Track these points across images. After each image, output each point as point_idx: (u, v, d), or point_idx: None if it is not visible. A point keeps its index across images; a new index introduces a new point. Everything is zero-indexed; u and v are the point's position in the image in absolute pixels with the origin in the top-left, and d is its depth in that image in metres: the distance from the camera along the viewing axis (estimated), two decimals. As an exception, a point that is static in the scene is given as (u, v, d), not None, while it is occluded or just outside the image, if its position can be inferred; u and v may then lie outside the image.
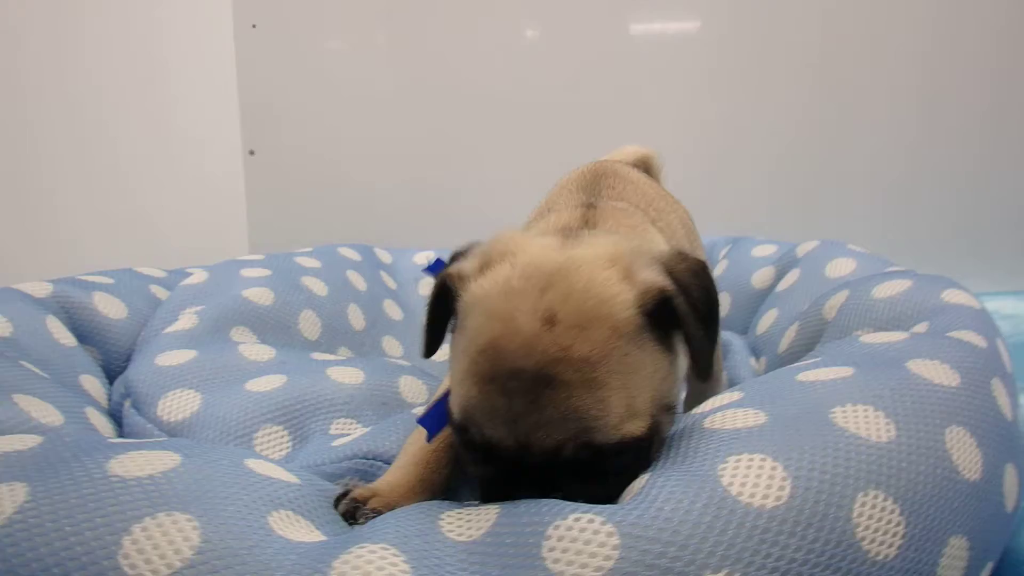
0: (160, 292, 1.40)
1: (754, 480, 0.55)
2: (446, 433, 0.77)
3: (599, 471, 0.63)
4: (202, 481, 0.62)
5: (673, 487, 0.55)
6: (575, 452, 0.62)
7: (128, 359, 1.22)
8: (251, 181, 2.52)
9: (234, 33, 2.45)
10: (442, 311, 0.74)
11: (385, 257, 1.82)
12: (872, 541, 0.55)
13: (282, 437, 0.98)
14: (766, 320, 1.32)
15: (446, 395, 0.73)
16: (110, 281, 1.33)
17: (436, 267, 0.86)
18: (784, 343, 1.16)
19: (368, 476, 0.86)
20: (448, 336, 0.75)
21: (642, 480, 0.59)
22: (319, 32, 2.47)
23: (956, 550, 0.60)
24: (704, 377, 0.68)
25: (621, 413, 0.62)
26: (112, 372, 1.22)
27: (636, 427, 0.63)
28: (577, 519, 0.53)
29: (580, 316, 0.63)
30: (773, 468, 0.56)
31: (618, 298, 0.65)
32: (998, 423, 0.71)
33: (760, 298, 1.44)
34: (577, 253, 0.69)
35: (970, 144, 2.27)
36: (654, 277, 0.67)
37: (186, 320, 1.23)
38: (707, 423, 0.66)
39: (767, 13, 2.28)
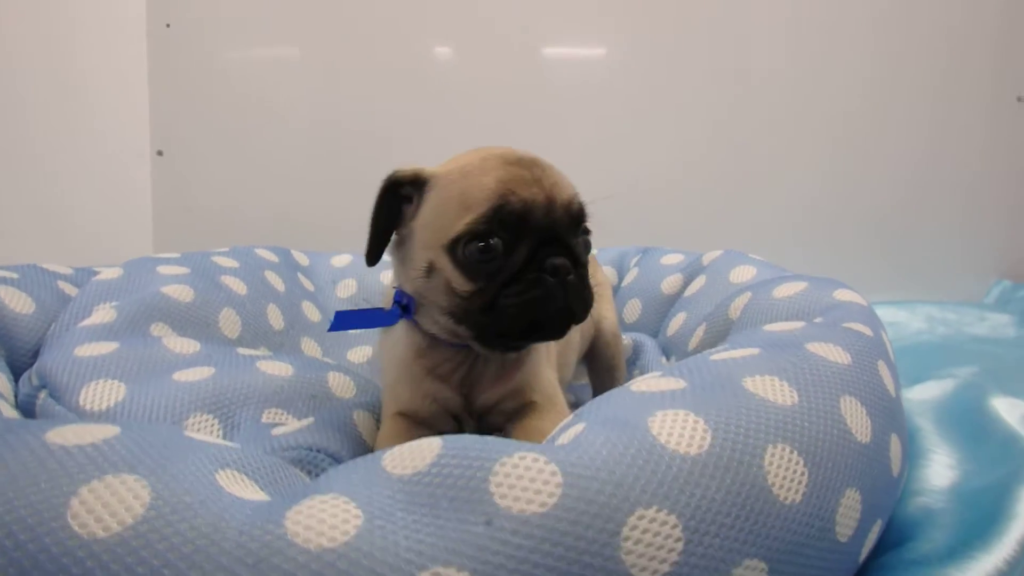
0: (68, 288, 1.35)
1: (679, 431, 0.61)
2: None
3: (581, 240, 0.86)
4: (144, 446, 0.61)
5: (608, 433, 0.60)
6: (579, 207, 0.86)
7: (35, 355, 1.18)
8: (158, 182, 2.47)
9: (147, 32, 2.41)
10: (388, 220, 0.90)
11: (302, 259, 1.82)
12: (781, 487, 0.61)
13: (212, 424, 0.97)
14: (675, 323, 1.40)
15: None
16: (15, 275, 1.28)
17: (339, 318, 1.01)
18: (693, 342, 1.25)
19: (313, 468, 0.87)
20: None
21: (579, 427, 0.63)
22: (234, 33, 2.46)
23: (851, 501, 0.67)
24: None
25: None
26: (17, 368, 1.16)
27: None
28: (523, 457, 0.57)
29: (529, 153, 0.88)
30: (696, 422, 0.62)
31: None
32: (883, 397, 0.80)
33: (669, 303, 1.53)
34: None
35: (858, 179, 2.45)
36: None
37: (102, 314, 1.20)
38: (634, 387, 0.72)
39: (671, 37, 2.42)
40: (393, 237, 0.93)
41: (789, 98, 2.43)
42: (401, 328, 0.99)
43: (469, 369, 0.96)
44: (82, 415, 0.97)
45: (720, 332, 1.17)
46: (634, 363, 1.38)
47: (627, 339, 1.41)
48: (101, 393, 0.99)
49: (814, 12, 2.40)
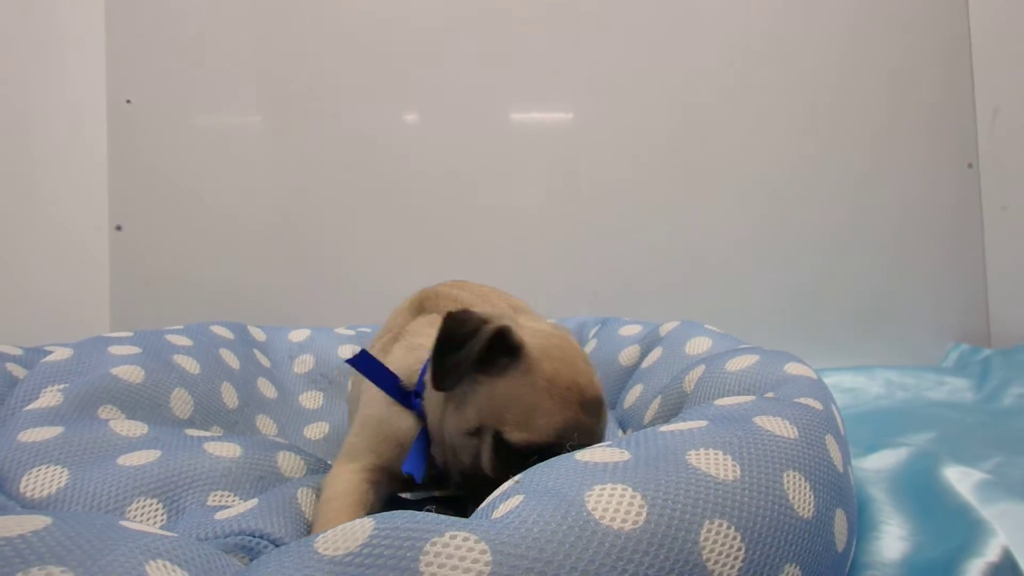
0: (16, 370, 1.33)
1: (616, 506, 0.61)
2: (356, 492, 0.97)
3: None
4: (75, 537, 0.60)
5: (543, 508, 0.60)
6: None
7: (-20, 441, 1.15)
8: (116, 257, 2.45)
9: (107, 108, 2.43)
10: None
11: (259, 335, 1.81)
12: (716, 563, 0.61)
13: (156, 509, 0.95)
14: (632, 395, 1.40)
15: (420, 442, 1.00)
16: (-39, 359, 1.27)
17: (362, 357, 1.04)
18: (648, 415, 1.25)
19: (253, 554, 0.85)
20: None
21: (516, 500, 0.63)
22: (195, 106, 2.47)
23: (791, 577, 0.67)
24: None
25: None
26: (-39, 454, 1.14)
27: None
28: (453, 536, 0.56)
29: (598, 385, 0.96)
30: (633, 496, 0.62)
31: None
32: (830, 472, 0.80)
33: (627, 374, 1.53)
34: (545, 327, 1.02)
35: (817, 242, 2.51)
36: None
37: (49, 398, 1.18)
38: (578, 456, 0.72)
39: (634, 102, 2.49)
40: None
41: (747, 162, 2.50)
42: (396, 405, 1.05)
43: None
44: (23, 503, 0.95)
45: (675, 405, 1.18)
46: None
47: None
48: (43, 479, 0.97)
49: (769, 78, 2.50)
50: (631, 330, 1.64)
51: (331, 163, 2.47)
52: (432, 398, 1.00)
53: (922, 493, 1.20)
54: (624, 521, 0.60)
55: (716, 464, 0.70)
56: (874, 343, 2.48)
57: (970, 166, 2.49)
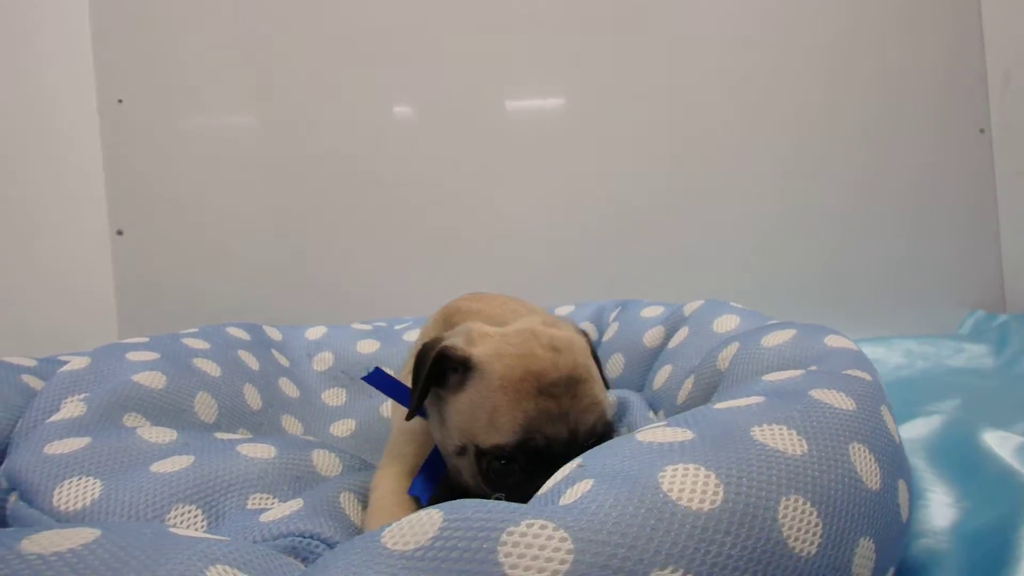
0: (33, 382, 1.30)
1: (691, 486, 0.59)
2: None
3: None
4: (129, 548, 0.58)
5: (617, 492, 0.58)
6: (602, 428, 0.89)
7: (1, 456, 1.13)
8: (119, 263, 2.42)
9: (98, 108, 2.39)
10: (431, 379, 0.94)
11: (275, 335, 1.78)
12: (796, 540, 0.59)
13: (196, 516, 0.93)
14: (661, 376, 1.38)
15: (430, 463, 1.00)
16: (-26, 373, 1.24)
17: (376, 375, 1.04)
18: (682, 395, 1.23)
19: (308, 555, 0.84)
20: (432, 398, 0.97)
21: (585, 484, 0.61)
22: (189, 103, 2.43)
23: (865, 550, 0.65)
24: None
25: (605, 396, 0.92)
26: (-18, 472, 1.11)
27: (609, 407, 0.92)
28: (530, 524, 0.54)
29: (567, 344, 0.93)
30: (707, 476, 0.60)
31: (577, 336, 0.99)
32: (889, 443, 0.79)
33: (653, 356, 1.51)
34: (525, 324, 0.99)
35: (830, 214, 2.50)
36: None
37: (71, 408, 1.15)
38: (639, 436, 0.70)
39: (626, 87, 2.46)
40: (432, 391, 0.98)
41: (745, 135, 2.48)
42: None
43: None
44: (57, 517, 0.92)
45: (709, 384, 1.15)
46: (620, 419, 1.35)
47: (611, 397, 1.39)
48: (76, 492, 0.94)
49: (764, 54, 2.47)
50: (653, 311, 1.61)
51: (330, 158, 2.44)
52: (432, 422, 1.00)
53: (963, 460, 1.19)
54: (702, 501, 0.58)
55: (783, 439, 0.68)
56: (890, 312, 2.47)
57: (982, 131, 2.47)
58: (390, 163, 2.45)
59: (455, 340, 0.94)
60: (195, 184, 2.44)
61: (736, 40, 2.46)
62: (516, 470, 0.86)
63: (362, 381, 1.37)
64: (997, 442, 1.20)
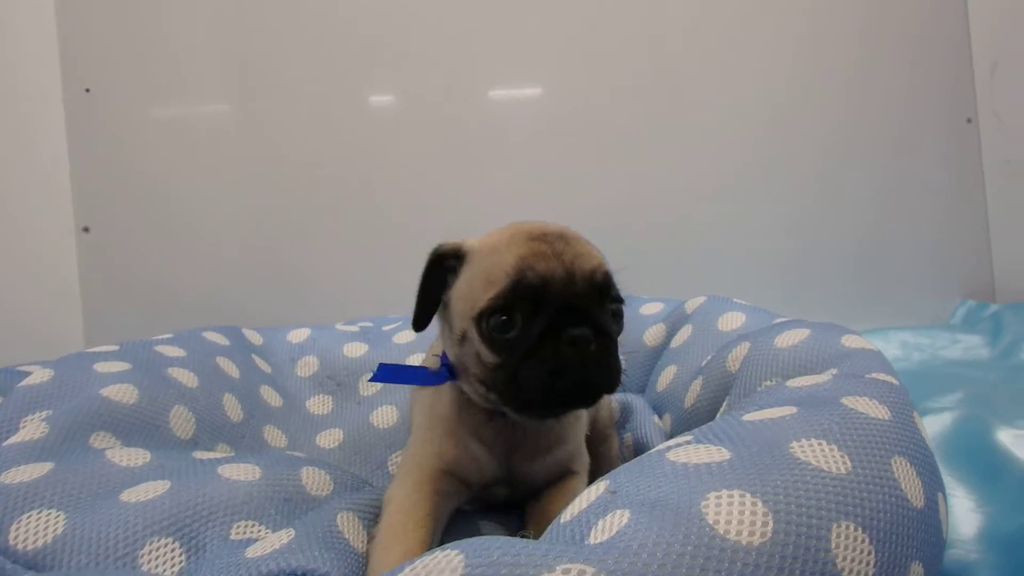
0: (-11, 397, 1.21)
1: (738, 517, 0.53)
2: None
3: (608, 310, 0.87)
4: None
5: (660, 527, 0.52)
6: (603, 277, 0.87)
7: (-45, 482, 1.03)
8: (85, 261, 2.29)
9: (64, 98, 2.26)
10: (435, 287, 0.95)
11: (255, 338, 1.67)
12: (851, 572, 0.54)
13: (173, 550, 0.82)
14: (665, 377, 1.32)
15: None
16: (-74, 387, 1.14)
17: (383, 370, 1.05)
18: (689, 398, 1.17)
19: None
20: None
21: (621, 517, 0.55)
22: (159, 93, 2.31)
23: (917, 576, 0.60)
24: None
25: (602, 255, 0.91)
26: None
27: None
28: (567, 571, 0.48)
29: (558, 227, 0.92)
30: (753, 504, 0.54)
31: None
32: (926, 453, 0.74)
33: (655, 355, 1.45)
34: None
35: (817, 205, 2.45)
36: None
37: (32, 428, 1.04)
38: (671, 456, 0.63)
39: (607, 74, 2.40)
40: (442, 303, 0.97)
41: (738, 125, 2.43)
42: (445, 388, 1.01)
43: (509, 436, 0.98)
44: (14, 557, 0.81)
45: (719, 386, 1.10)
46: (623, 425, 1.29)
47: (613, 401, 1.32)
48: (35, 527, 0.83)
49: (754, 34, 2.43)
50: (653, 308, 1.55)
51: (307, 150, 2.34)
52: (448, 350, 0.98)
53: (979, 460, 1.15)
54: (752, 534, 0.52)
55: (825, 457, 0.62)
56: (881, 303, 2.44)
57: (969, 121, 2.45)
58: (369, 155, 2.36)
59: (454, 241, 0.95)
60: (167, 178, 2.32)
61: (724, 27, 2.41)
62: (517, 321, 0.84)
63: (348, 387, 1.32)
64: (1011, 440, 1.16)
